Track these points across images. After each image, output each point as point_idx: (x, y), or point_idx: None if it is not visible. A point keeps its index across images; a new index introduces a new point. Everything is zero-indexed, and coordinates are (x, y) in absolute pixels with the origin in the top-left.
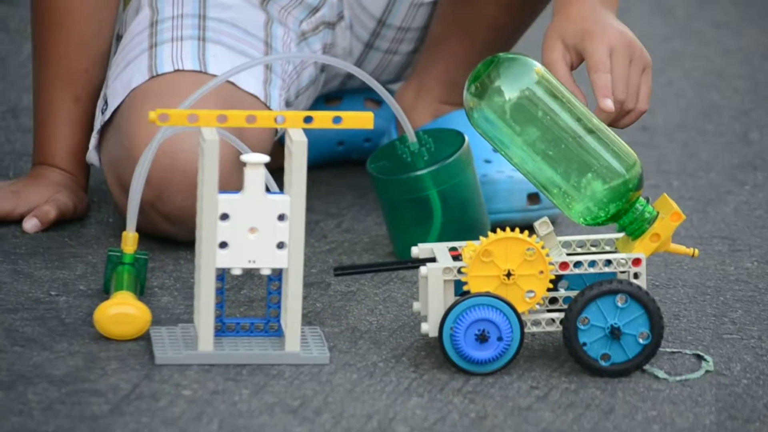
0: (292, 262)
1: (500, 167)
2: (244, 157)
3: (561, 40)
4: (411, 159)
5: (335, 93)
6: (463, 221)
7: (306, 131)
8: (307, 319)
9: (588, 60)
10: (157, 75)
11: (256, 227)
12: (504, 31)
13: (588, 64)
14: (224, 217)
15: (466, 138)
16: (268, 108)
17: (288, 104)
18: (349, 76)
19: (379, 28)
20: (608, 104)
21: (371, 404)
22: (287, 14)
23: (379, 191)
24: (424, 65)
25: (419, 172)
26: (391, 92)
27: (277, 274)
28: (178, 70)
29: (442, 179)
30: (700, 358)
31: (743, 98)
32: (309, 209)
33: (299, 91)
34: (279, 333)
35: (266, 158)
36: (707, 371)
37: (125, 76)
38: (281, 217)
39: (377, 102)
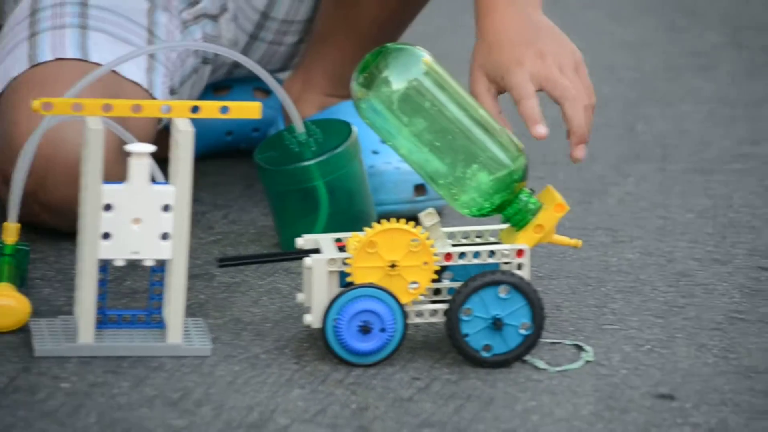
0: (176, 253)
1: (387, 158)
2: (128, 147)
3: (483, 73)
4: (298, 149)
5: (224, 82)
6: (350, 212)
7: (195, 122)
8: (191, 310)
9: (511, 93)
10: (38, 64)
11: (139, 218)
12: (387, 27)
13: (512, 97)
14: (107, 207)
15: (354, 128)
16: (152, 96)
17: (173, 92)
18: (236, 65)
19: (263, 21)
20: (539, 131)
21: (252, 396)
22: (169, 1)
23: (266, 182)
24: (311, 58)
25: (306, 163)
26: (279, 82)
27: (161, 266)
28: (59, 59)
29: (329, 170)
30: (580, 348)
31: (631, 90)
32: (195, 200)
33: (183, 79)
34: (161, 325)
35: (151, 148)
36: (587, 362)
37: (5, 66)
38: (166, 208)
39: (266, 92)
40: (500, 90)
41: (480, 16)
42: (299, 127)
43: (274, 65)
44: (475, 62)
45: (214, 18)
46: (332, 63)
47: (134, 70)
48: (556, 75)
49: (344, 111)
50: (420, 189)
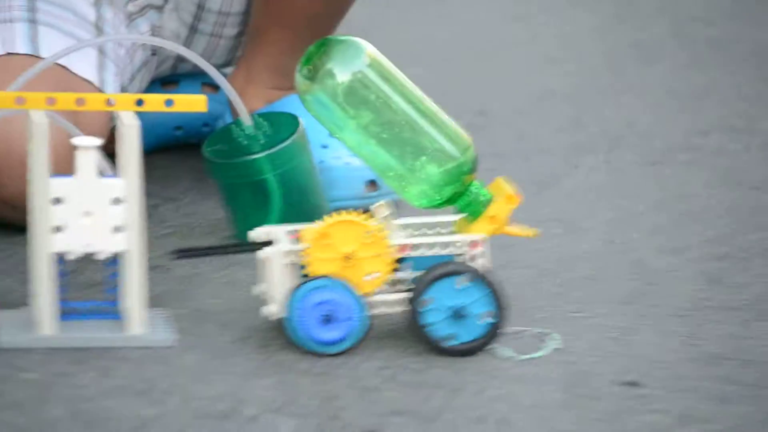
0: (132, 244)
1: (337, 153)
2: (74, 141)
3: None
4: (247, 142)
5: (172, 77)
6: (303, 206)
7: (144, 117)
8: (150, 302)
9: None
10: None
11: (90, 211)
12: (319, 20)
13: None
14: (57, 201)
15: (301, 121)
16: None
17: (123, 89)
18: (181, 59)
19: (200, 12)
20: None
21: (220, 386)
22: None
23: (216, 175)
24: (250, 52)
25: (255, 156)
26: (225, 76)
27: (116, 259)
28: (9, 53)
29: (279, 163)
30: (545, 336)
31: (575, 82)
32: (146, 194)
33: (134, 75)
34: (123, 316)
35: (98, 141)
36: (553, 350)
37: None
38: (116, 201)
39: (214, 87)
40: None
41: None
42: (246, 120)
43: (218, 59)
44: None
45: (159, 9)
46: (271, 56)
47: (86, 68)
48: None
49: (291, 104)
50: (372, 184)
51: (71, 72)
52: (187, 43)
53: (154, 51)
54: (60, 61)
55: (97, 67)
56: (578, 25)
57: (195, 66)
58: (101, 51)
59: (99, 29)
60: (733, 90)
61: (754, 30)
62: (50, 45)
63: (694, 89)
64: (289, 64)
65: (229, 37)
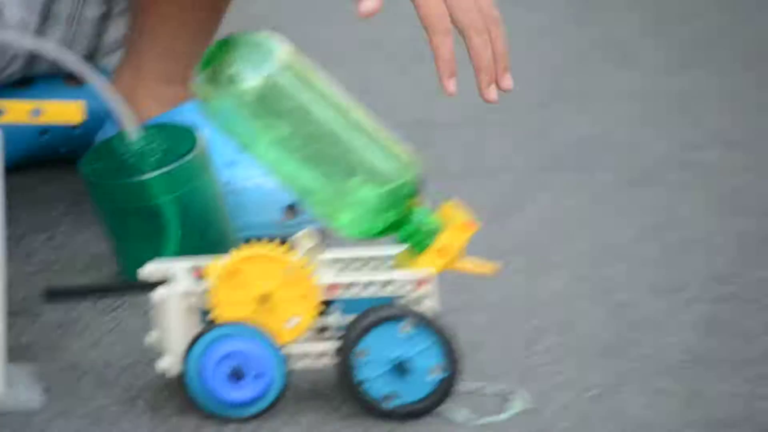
0: None
1: (247, 172)
2: None
3: None
4: (135, 160)
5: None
6: (205, 236)
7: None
8: (13, 355)
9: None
10: None
11: None
12: None
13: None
14: None
15: (200, 133)
16: None
17: None
18: (34, 59)
19: None
20: (450, 87)
21: None
22: None
23: (98, 199)
24: (138, 36)
25: (145, 176)
26: (105, 73)
27: None
28: None
29: (175, 184)
30: (509, 395)
31: (538, 86)
32: (9, 221)
33: None
34: None
35: None
36: (518, 412)
37: None
38: None
39: (78, 80)
40: None
41: None
42: (133, 132)
43: (80, 48)
44: None
45: None
46: (164, 39)
47: None
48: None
49: (191, 113)
50: (291, 210)
51: None
52: (40, 33)
53: None
54: None
55: None
56: (537, 22)
57: (53, 65)
58: None
59: None
60: (723, 95)
61: (742, 26)
62: None
63: (676, 95)
64: (186, 49)
65: (91, 19)
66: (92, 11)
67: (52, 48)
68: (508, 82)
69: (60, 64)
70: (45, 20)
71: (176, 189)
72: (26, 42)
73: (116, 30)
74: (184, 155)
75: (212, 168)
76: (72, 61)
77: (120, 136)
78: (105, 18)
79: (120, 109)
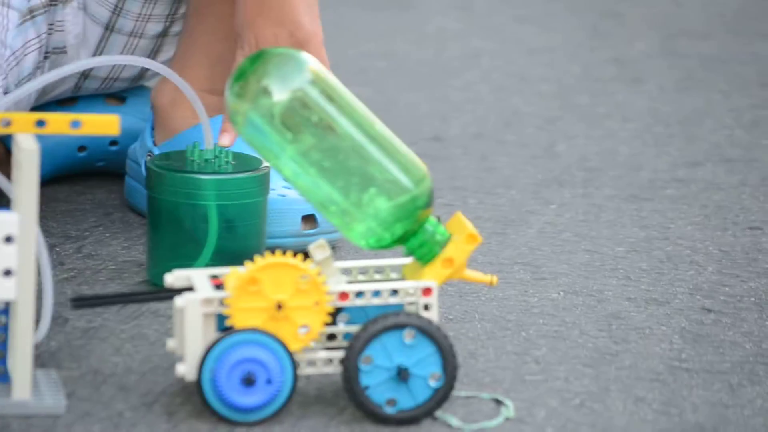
0: (21, 292)
1: (271, 183)
2: None
3: None
4: (200, 164)
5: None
6: (241, 253)
7: (40, 136)
8: (40, 360)
9: None
10: None
11: None
12: None
13: None
14: None
15: (267, 164)
16: None
17: (7, 93)
18: (85, 77)
19: (121, 3)
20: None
21: None
22: None
23: (154, 189)
24: (182, 46)
25: (204, 176)
26: (146, 90)
27: (4, 308)
28: None
29: (227, 194)
30: (499, 403)
31: (549, 104)
32: (43, 231)
33: (21, 81)
34: (5, 378)
35: None
36: (507, 418)
37: None
38: (8, 239)
39: (120, 98)
40: None
41: None
42: (209, 142)
43: (129, 69)
44: None
45: (63, 3)
46: (206, 49)
47: None
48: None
49: (217, 126)
50: (309, 220)
51: None
52: (101, 47)
53: (48, 54)
54: None
55: None
56: (553, 40)
57: (103, 83)
58: None
59: None
60: (730, 115)
61: (755, 45)
62: None
63: (685, 113)
64: (228, 59)
65: (150, 36)
66: (154, 27)
67: (158, 66)
68: None
69: (103, 87)
70: (109, 33)
71: (226, 199)
72: (115, 59)
73: (169, 50)
74: (243, 172)
75: (266, 196)
76: (165, 70)
77: (194, 146)
78: (163, 35)
79: (204, 118)
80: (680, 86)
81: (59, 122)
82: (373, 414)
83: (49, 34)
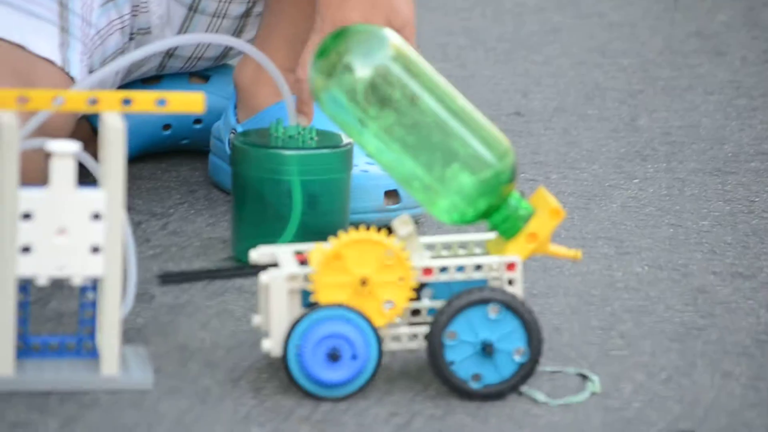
0: (108, 269)
1: (354, 159)
2: (50, 146)
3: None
4: (284, 140)
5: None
6: (324, 228)
7: (126, 114)
8: (128, 336)
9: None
10: None
11: (65, 228)
12: None
13: None
14: (26, 216)
15: (350, 141)
16: (68, 75)
17: (92, 72)
18: (170, 56)
19: None
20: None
21: None
22: None
23: (239, 165)
24: (264, 26)
25: (288, 151)
26: (229, 69)
27: (92, 284)
28: None
29: (310, 170)
30: (584, 377)
31: (630, 78)
32: (129, 208)
33: (105, 60)
34: (94, 353)
35: (76, 147)
36: (593, 393)
37: None
38: (95, 217)
39: (204, 77)
40: None
41: None
42: (293, 119)
43: (216, 48)
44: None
45: None
46: (286, 29)
47: (45, 46)
48: None
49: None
50: (392, 195)
51: (29, 51)
52: (184, 27)
53: (133, 36)
54: (16, 40)
55: (59, 45)
56: (633, 12)
57: (187, 62)
58: (64, 29)
59: (64, 7)
60: None
61: None
62: (3, 23)
63: (765, 86)
64: (307, 38)
65: (233, 17)
66: (237, 8)
67: (239, 43)
68: None
69: (187, 66)
70: (193, 14)
71: (310, 174)
72: (199, 37)
73: (251, 30)
74: (327, 148)
75: (349, 172)
76: (249, 48)
77: (277, 123)
78: (245, 16)
79: (287, 95)
80: (763, 58)
81: (145, 101)
82: (458, 389)
83: (134, 15)
